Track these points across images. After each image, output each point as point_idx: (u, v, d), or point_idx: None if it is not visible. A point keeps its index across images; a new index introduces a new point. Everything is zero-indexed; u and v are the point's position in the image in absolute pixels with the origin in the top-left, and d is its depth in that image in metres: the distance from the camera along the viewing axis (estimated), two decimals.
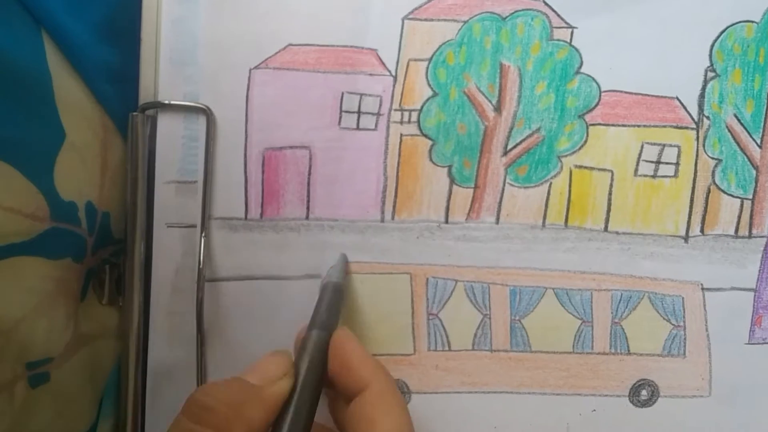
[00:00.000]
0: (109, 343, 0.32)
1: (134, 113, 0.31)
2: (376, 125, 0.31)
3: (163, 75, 0.30)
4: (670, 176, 0.32)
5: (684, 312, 0.32)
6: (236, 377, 0.25)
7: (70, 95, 0.29)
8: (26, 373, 0.27)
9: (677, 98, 0.31)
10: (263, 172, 0.31)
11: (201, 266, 0.31)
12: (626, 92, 0.31)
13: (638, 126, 0.31)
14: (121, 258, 0.32)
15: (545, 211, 0.32)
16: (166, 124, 0.31)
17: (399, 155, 0.31)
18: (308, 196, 0.31)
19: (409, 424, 0.25)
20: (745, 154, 0.32)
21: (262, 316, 0.31)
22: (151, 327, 0.31)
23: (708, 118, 0.32)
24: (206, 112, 0.30)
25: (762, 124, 0.32)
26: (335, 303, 0.28)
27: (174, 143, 0.31)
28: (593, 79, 0.31)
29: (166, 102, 0.30)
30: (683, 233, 0.32)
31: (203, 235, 0.31)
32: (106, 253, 0.32)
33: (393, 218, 0.31)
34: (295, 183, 0.31)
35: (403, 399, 0.25)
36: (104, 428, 0.32)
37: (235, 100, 0.30)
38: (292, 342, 0.30)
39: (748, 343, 0.32)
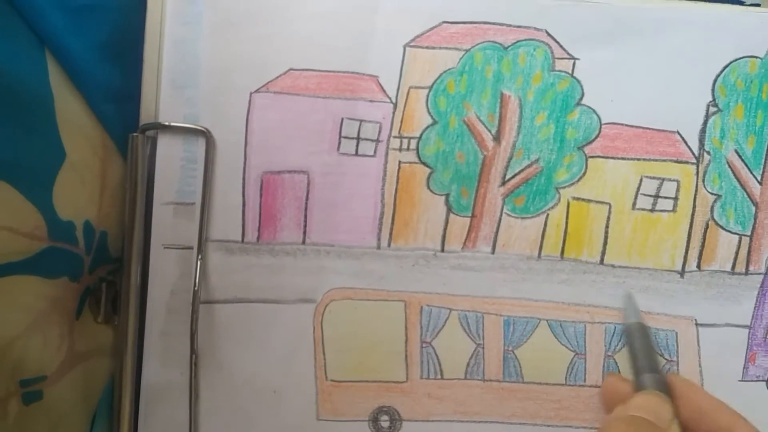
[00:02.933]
0: (103, 361, 0.32)
1: (134, 134, 0.31)
2: (374, 152, 0.31)
3: (164, 96, 0.30)
4: (668, 210, 0.32)
5: (677, 347, 0.32)
6: (640, 417, 0.24)
7: (72, 115, 0.29)
8: (20, 390, 0.27)
9: (678, 132, 0.31)
10: (261, 195, 0.31)
11: (196, 288, 0.31)
12: (627, 125, 0.31)
13: (638, 159, 0.31)
14: (118, 277, 0.32)
15: (541, 242, 0.31)
16: (165, 146, 0.31)
17: (397, 182, 0.31)
18: (305, 220, 0.31)
19: None
20: (744, 190, 0.32)
21: (256, 340, 0.31)
22: (145, 347, 0.31)
23: (708, 153, 0.32)
24: (206, 135, 0.30)
25: (763, 160, 0.32)
26: (650, 344, 0.28)
27: (173, 165, 0.31)
28: (594, 111, 0.31)
29: (166, 123, 0.30)
30: (679, 268, 0.32)
31: (199, 257, 0.31)
32: (103, 272, 0.32)
33: (389, 245, 0.31)
34: (292, 207, 0.31)
35: None
36: None
37: (235, 123, 0.30)
38: (285, 366, 0.31)
39: (742, 380, 0.32)
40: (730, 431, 0.25)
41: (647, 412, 0.24)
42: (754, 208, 0.32)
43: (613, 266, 0.32)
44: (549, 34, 0.31)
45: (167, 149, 0.31)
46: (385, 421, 0.31)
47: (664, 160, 0.31)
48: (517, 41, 0.31)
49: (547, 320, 0.32)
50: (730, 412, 0.25)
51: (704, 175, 0.32)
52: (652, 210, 0.32)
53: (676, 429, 0.24)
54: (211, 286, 0.31)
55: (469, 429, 0.32)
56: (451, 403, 0.32)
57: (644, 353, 0.28)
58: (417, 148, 0.31)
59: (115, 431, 0.31)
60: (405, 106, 0.31)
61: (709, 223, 0.32)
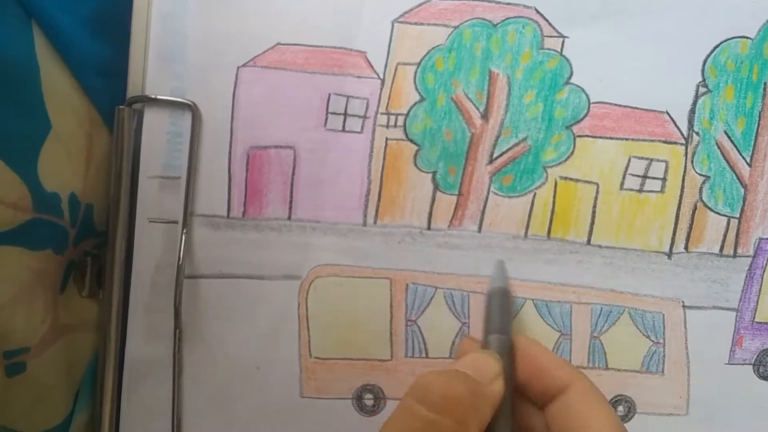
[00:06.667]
0: (87, 335, 0.32)
1: (121, 107, 0.30)
2: (361, 128, 0.31)
3: (151, 70, 0.30)
4: (656, 191, 0.31)
5: (664, 329, 0.32)
6: (458, 369, 0.24)
7: (58, 87, 0.29)
8: (3, 362, 0.27)
9: (667, 113, 0.31)
10: (247, 170, 0.31)
11: (180, 262, 0.31)
12: (615, 104, 0.31)
13: (626, 139, 0.31)
14: (103, 251, 0.31)
15: (528, 221, 0.31)
16: (152, 119, 0.31)
17: (384, 159, 0.31)
18: (291, 196, 0.31)
19: (619, 417, 0.24)
20: (734, 171, 0.31)
21: (240, 315, 0.31)
22: (129, 322, 0.31)
23: (698, 133, 0.31)
24: (192, 109, 0.30)
25: (752, 142, 0.31)
26: (507, 308, 0.28)
27: (159, 138, 0.30)
28: (582, 90, 0.31)
29: (153, 97, 0.30)
30: (667, 249, 0.32)
31: (184, 231, 0.31)
32: (88, 246, 0.32)
33: (375, 222, 0.31)
34: (278, 183, 0.31)
35: (603, 395, 0.25)
36: (79, 422, 0.31)
37: (222, 97, 0.30)
38: (268, 343, 0.31)
39: (728, 364, 0.32)
40: (567, 386, 0.25)
41: (470, 368, 0.24)
42: (743, 190, 0.31)
43: (600, 246, 0.31)
44: (538, 12, 0.31)
45: (154, 123, 0.31)
46: (369, 399, 0.31)
47: (653, 141, 0.31)
48: (506, 18, 0.31)
49: (533, 300, 0.31)
50: (569, 368, 0.26)
51: (693, 156, 0.31)
52: (640, 190, 0.31)
53: (499, 385, 0.24)
54: (196, 261, 0.31)
55: None
56: None
57: (497, 316, 0.28)
58: (404, 125, 0.31)
59: (98, 406, 0.31)
60: (393, 83, 0.31)
61: (698, 204, 0.31)
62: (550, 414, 0.25)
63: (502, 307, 0.28)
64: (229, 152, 0.31)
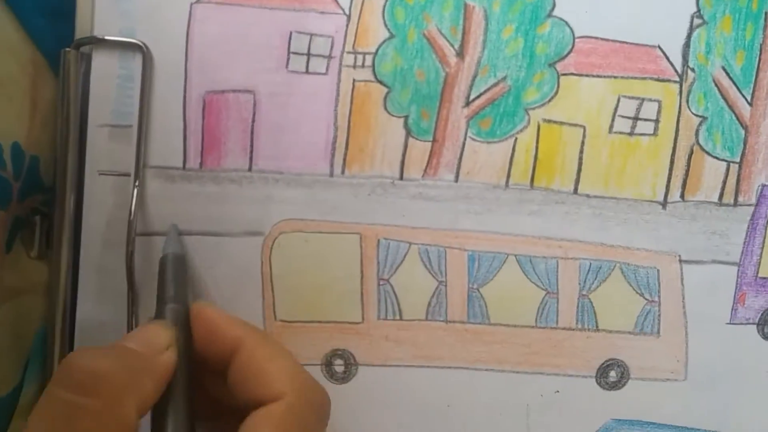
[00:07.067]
0: (36, 300, 0.30)
1: (67, 49, 0.29)
2: (326, 69, 0.29)
3: (99, 9, 0.28)
4: (648, 134, 0.30)
5: (659, 286, 0.30)
6: (118, 343, 0.23)
7: None
8: None
9: (659, 47, 0.30)
10: (203, 117, 0.29)
11: (132, 217, 0.29)
12: (603, 39, 0.29)
13: (615, 77, 0.30)
14: (52, 208, 0.30)
15: (509, 169, 0.30)
16: (101, 63, 0.29)
17: (351, 103, 0.29)
18: (252, 145, 0.29)
19: (299, 365, 0.24)
20: (733, 111, 0.30)
21: (198, 276, 0.29)
22: (80, 284, 0.29)
23: (693, 70, 0.30)
24: (143, 50, 0.29)
25: (753, 78, 0.30)
26: (181, 275, 0.27)
27: (109, 83, 0.29)
28: (566, 23, 0.29)
29: (100, 37, 0.29)
30: (661, 198, 0.30)
31: (136, 184, 0.29)
32: (35, 202, 0.30)
33: (343, 172, 0.30)
34: (237, 130, 0.29)
35: (283, 346, 0.25)
36: (29, 393, 0.30)
37: (175, 37, 0.29)
38: (230, 305, 0.29)
39: (730, 323, 0.31)
40: (241, 341, 0.24)
41: (137, 340, 0.23)
42: (743, 132, 0.30)
43: (588, 196, 0.30)
44: None
45: (102, 67, 0.29)
46: (339, 366, 0.30)
47: (644, 78, 0.30)
48: None
49: (515, 255, 0.30)
50: (242, 326, 0.25)
51: (688, 95, 0.30)
52: (630, 133, 0.30)
53: (170, 356, 0.23)
54: (150, 217, 0.29)
55: (431, 375, 0.30)
56: (410, 347, 0.30)
57: (171, 284, 0.27)
58: (373, 65, 0.29)
59: (49, 375, 0.29)
60: (359, 18, 0.29)
61: (694, 148, 0.30)
62: (230, 377, 0.24)
63: (176, 273, 0.27)
64: (184, 98, 0.29)
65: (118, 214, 0.29)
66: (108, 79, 0.29)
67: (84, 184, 0.29)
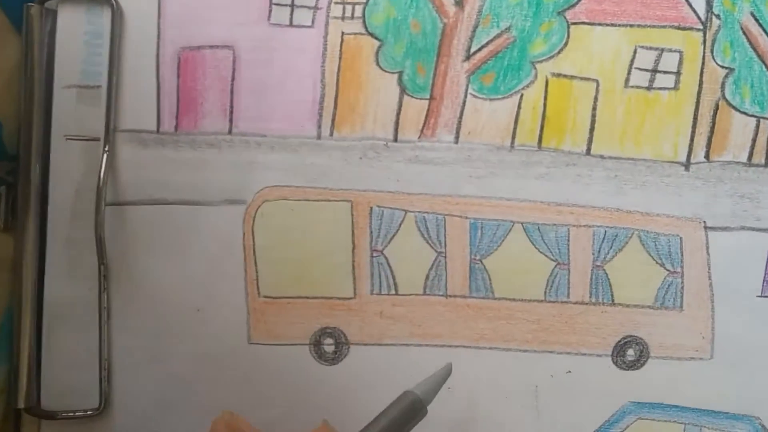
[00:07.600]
0: (3, 276, 0.29)
1: (30, 4, 0.29)
2: (312, 21, 0.29)
3: None
4: (669, 88, 0.29)
5: (682, 255, 0.29)
6: None
7: None
8: None
9: None
10: (179, 76, 0.29)
11: (102, 185, 0.28)
12: None
13: (631, 26, 0.29)
14: (18, 178, 0.29)
15: (515, 128, 0.29)
16: (67, 19, 0.29)
17: (340, 58, 0.29)
18: (231, 106, 0.29)
19: None
20: (763, 62, 0.29)
21: (175, 248, 0.29)
22: (48, 257, 0.29)
23: (718, 17, 0.29)
24: (112, 4, 0.28)
25: None
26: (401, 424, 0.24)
27: (76, 41, 0.29)
28: None
29: None
30: (683, 159, 0.29)
31: (106, 149, 0.29)
32: (0, 172, 0.29)
33: (332, 134, 0.29)
34: (216, 90, 0.29)
35: None
36: None
37: None
38: (209, 280, 0.29)
39: (761, 296, 0.29)
40: None
41: None
42: None
43: (602, 157, 0.29)
44: None
45: (69, 23, 0.29)
46: (329, 345, 0.29)
47: (663, 26, 0.29)
48: None
49: (522, 223, 0.29)
50: None
51: (713, 45, 0.29)
52: (649, 88, 0.29)
53: None
54: (122, 185, 0.29)
55: (429, 354, 0.29)
56: (407, 324, 0.29)
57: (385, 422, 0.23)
58: (363, 16, 0.29)
59: (16, 357, 0.29)
60: None
61: (720, 103, 0.29)
62: None
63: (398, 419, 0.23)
64: (157, 55, 0.29)
65: (87, 182, 0.29)
66: (75, 37, 0.28)
67: (50, 151, 0.29)
